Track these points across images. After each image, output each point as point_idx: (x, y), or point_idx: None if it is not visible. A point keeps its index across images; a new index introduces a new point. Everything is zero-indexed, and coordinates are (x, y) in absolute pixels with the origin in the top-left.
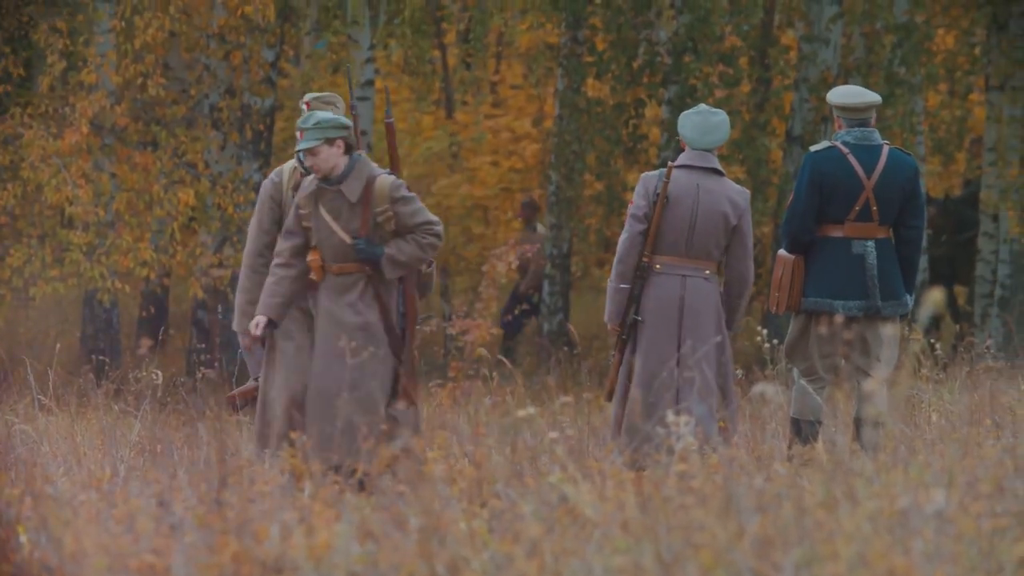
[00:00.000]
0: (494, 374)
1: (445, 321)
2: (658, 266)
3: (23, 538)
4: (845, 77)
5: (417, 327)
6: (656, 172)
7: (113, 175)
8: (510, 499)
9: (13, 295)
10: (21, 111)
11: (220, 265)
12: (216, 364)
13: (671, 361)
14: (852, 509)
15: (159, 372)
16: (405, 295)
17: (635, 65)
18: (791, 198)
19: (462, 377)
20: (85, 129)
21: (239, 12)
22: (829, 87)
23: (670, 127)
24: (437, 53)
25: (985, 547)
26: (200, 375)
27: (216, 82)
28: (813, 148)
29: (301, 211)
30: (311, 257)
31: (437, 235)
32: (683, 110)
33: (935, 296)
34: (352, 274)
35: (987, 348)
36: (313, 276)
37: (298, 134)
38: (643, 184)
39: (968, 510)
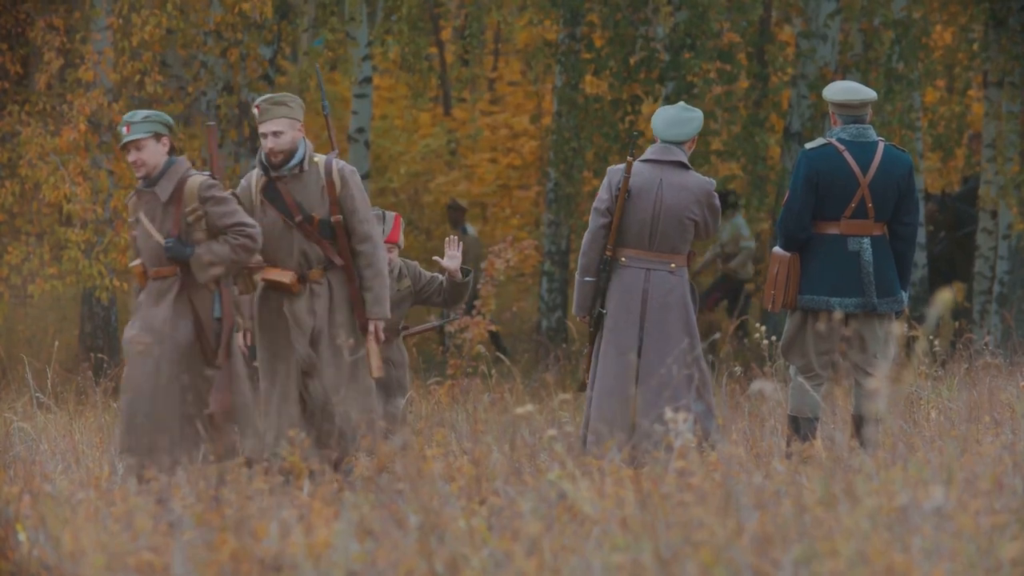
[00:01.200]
0: (492, 371)
1: (443, 319)
2: (623, 259)
3: (22, 536)
4: (843, 73)
5: (415, 330)
6: (621, 166)
7: (111, 172)
8: (509, 496)
9: (11, 293)
10: (18, 109)
11: None
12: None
13: (631, 353)
14: (851, 506)
15: None
16: (222, 300)
17: (632, 61)
18: (787, 196)
19: (460, 374)
20: (83, 126)
21: (236, 9)
22: (827, 83)
23: None
24: (435, 50)
25: (984, 544)
26: None
27: (214, 79)
28: (808, 145)
29: (130, 219)
30: (135, 264)
31: (250, 236)
32: None
33: (944, 297)
34: (167, 278)
35: (986, 345)
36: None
37: (124, 129)
38: (607, 177)
39: (967, 507)
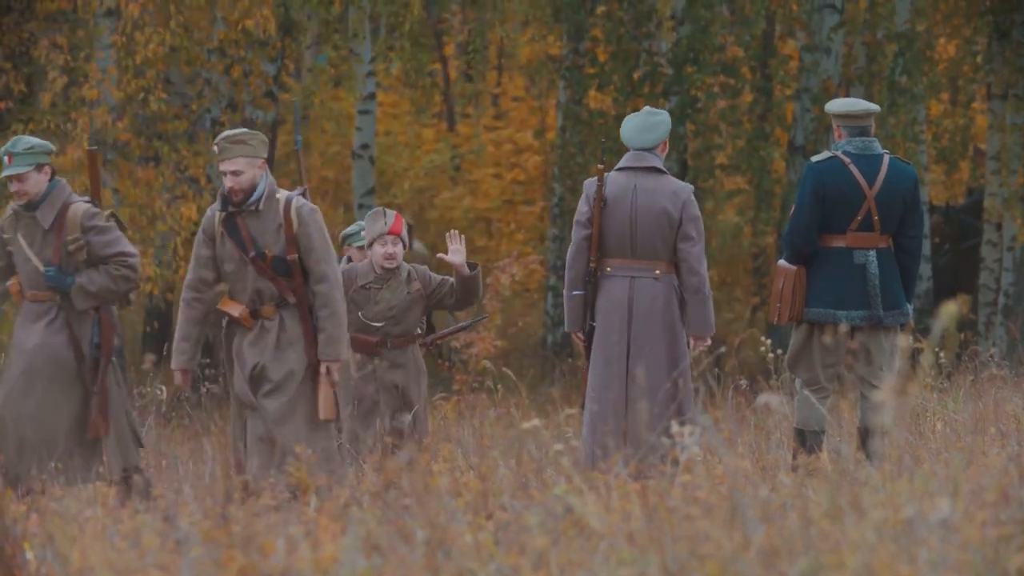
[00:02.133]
0: (499, 386)
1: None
2: (608, 268)
3: (29, 554)
4: (847, 87)
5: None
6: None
7: (116, 190)
8: (516, 511)
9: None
10: (23, 127)
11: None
12: (220, 379)
13: (620, 362)
14: (857, 519)
15: (163, 387)
16: (101, 325)
17: (636, 76)
18: (793, 209)
19: (467, 390)
20: (87, 145)
21: (240, 26)
22: (831, 97)
23: (671, 137)
24: (438, 66)
25: (990, 555)
26: (204, 390)
27: (217, 96)
28: (814, 159)
29: (4, 236)
30: (11, 282)
31: (131, 267)
32: (684, 121)
33: (950, 309)
34: (45, 302)
35: (991, 356)
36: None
37: (6, 159)
38: (584, 190)
39: (973, 519)
